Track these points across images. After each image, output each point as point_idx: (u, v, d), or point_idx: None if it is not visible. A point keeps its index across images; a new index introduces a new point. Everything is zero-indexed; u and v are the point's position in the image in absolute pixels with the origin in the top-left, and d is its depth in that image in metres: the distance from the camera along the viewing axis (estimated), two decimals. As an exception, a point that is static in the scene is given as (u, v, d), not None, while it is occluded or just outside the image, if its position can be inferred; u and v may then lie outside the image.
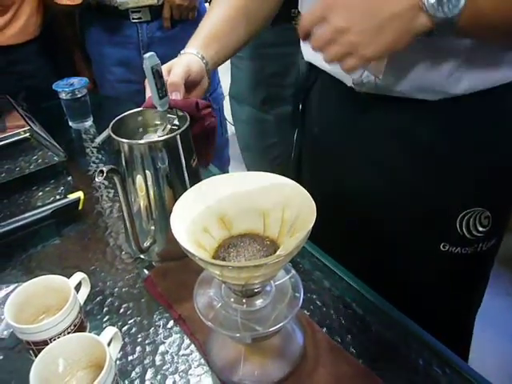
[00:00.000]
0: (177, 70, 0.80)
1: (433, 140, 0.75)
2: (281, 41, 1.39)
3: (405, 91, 0.71)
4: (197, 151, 0.81)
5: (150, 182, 0.74)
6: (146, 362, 0.67)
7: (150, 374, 0.66)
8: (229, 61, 1.53)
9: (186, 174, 0.76)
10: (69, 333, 0.64)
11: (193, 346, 0.69)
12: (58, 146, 1.13)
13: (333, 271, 0.80)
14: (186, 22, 1.56)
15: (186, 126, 0.73)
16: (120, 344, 0.66)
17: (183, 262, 0.81)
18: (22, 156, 1.12)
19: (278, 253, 0.52)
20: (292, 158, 1.11)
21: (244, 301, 0.59)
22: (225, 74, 1.63)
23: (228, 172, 1.57)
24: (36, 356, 0.56)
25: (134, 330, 0.72)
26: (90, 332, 0.70)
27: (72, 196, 0.95)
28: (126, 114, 0.77)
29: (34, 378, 0.54)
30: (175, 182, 0.75)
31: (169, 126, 0.76)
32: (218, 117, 1.73)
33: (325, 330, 0.70)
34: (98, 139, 1.25)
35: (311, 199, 0.54)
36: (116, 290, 0.79)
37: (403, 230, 0.83)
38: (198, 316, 0.59)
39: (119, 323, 0.73)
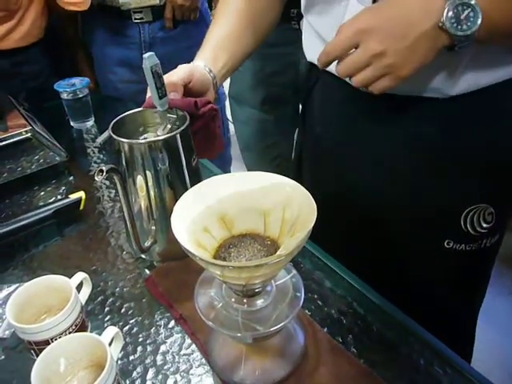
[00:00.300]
0: (178, 71, 0.80)
1: (436, 138, 0.75)
2: (280, 41, 1.39)
3: (409, 90, 0.71)
4: (200, 147, 0.81)
5: (150, 182, 0.74)
6: (147, 361, 0.67)
7: (151, 373, 0.66)
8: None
9: (186, 173, 0.76)
10: (70, 333, 0.64)
11: (194, 345, 0.69)
12: (59, 146, 1.13)
13: (334, 271, 0.80)
14: (187, 23, 1.56)
15: (185, 125, 0.73)
16: (121, 344, 0.66)
17: (184, 262, 0.81)
18: (23, 156, 1.12)
19: (278, 253, 0.52)
20: (293, 158, 1.11)
21: (245, 301, 0.59)
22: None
23: (230, 172, 1.57)
24: (37, 356, 0.56)
25: (135, 329, 0.72)
26: (91, 332, 0.70)
27: (73, 196, 0.95)
28: (126, 114, 0.78)
29: (36, 377, 0.54)
30: (175, 181, 0.76)
31: (169, 126, 0.76)
32: (220, 116, 1.73)
33: (326, 329, 0.70)
34: (100, 139, 1.25)
35: (312, 199, 0.54)
36: (117, 289, 0.79)
37: (407, 229, 0.83)
38: (198, 316, 0.59)
39: (120, 323, 0.73)
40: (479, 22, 0.59)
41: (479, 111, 0.73)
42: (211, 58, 0.85)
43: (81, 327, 0.67)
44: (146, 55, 0.68)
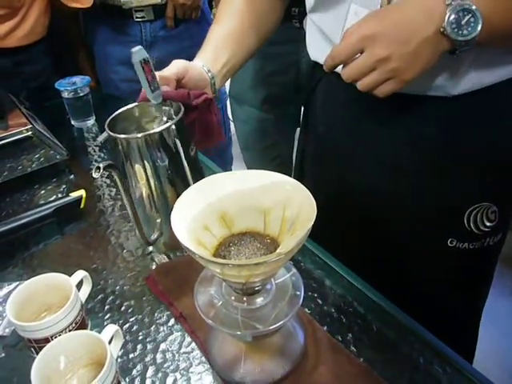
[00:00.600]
0: (170, 67, 0.79)
1: (439, 137, 0.75)
2: (281, 39, 1.38)
3: (412, 89, 0.72)
4: (198, 138, 0.81)
5: (149, 174, 0.74)
6: (147, 359, 0.67)
7: (150, 371, 0.66)
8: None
9: (185, 164, 0.76)
10: (70, 330, 0.64)
11: (194, 344, 0.69)
12: (60, 144, 1.14)
13: (334, 269, 0.80)
14: (189, 22, 1.56)
15: (180, 116, 0.73)
16: (121, 342, 0.66)
17: (184, 261, 0.81)
18: (24, 154, 1.13)
19: (278, 251, 0.52)
20: (294, 158, 1.11)
21: (245, 299, 0.59)
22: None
23: (231, 171, 1.57)
24: (37, 354, 0.56)
25: (135, 327, 0.72)
26: (91, 330, 0.70)
27: (74, 194, 0.95)
28: (121, 110, 0.77)
29: (36, 375, 0.54)
30: (175, 172, 0.75)
31: (165, 118, 0.75)
32: (221, 116, 1.72)
33: (325, 328, 0.70)
34: (100, 138, 1.25)
35: (312, 198, 0.54)
36: (117, 288, 0.79)
37: (409, 228, 0.83)
38: (198, 314, 0.59)
39: (120, 321, 0.73)
40: (479, 27, 0.60)
41: (482, 110, 0.73)
42: (211, 59, 0.85)
43: (81, 325, 0.67)
44: (134, 49, 0.67)
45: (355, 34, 0.65)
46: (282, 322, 0.57)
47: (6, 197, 1.04)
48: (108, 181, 1.08)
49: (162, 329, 0.72)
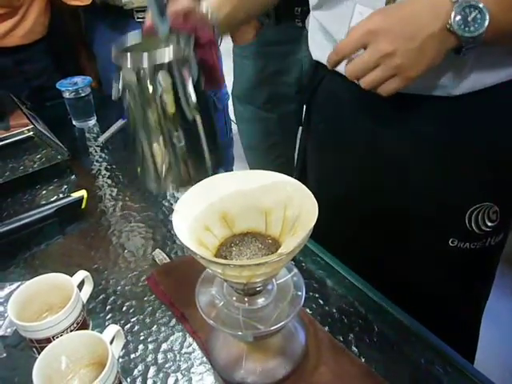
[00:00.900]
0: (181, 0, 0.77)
1: (440, 137, 0.75)
2: (284, 39, 1.39)
3: (414, 88, 0.72)
4: (202, 76, 0.75)
5: (158, 105, 0.68)
6: (149, 359, 0.67)
7: (152, 371, 0.66)
8: (231, 60, 1.53)
9: (193, 95, 0.69)
10: (71, 331, 0.64)
11: (195, 344, 0.69)
12: (61, 144, 1.14)
13: (335, 270, 0.80)
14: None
15: (190, 46, 0.69)
16: (122, 342, 0.66)
17: (185, 261, 0.81)
18: (25, 155, 1.13)
19: (279, 251, 0.52)
20: (296, 157, 1.11)
21: (246, 299, 0.59)
22: (228, 73, 1.63)
23: (232, 171, 1.56)
24: (39, 354, 0.57)
25: (136, 328, 0.72)
26: (92, 330, 0.70)
27: (75, 194, 0.96)
28: (128, 44, 0.73)
29: (37, 375, 0.54)
30: (183, 103, 0.69)
31: (172, 47, 0.69)
32: (223, 116, 1.72)
33: (327, 328, 0.70)
34: (102, 138, 1.26)
35: (313, 198, 0.54)
36: (119, 288, 0.79)
37: (411, 228, 0.83)
38: (200, 314, 0.59)
39: (122, 321, 0.73)
40: (486, 23, 0.59)
41: (483, 110, 0.73)
42: (216, 7, 0.81)
43: (82, 325, 0.67)
44: None
45: (360, 29, 0.64)
46: (283, 323, 0.57)
47: (7, 197, 1.04)
48: (109, 181, 1.08)
49: (163, 329, 0.72)
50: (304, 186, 0.56)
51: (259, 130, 1.63)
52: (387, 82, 0.65)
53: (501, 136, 0.75)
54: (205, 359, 0.67)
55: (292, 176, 0.59)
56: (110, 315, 0.75)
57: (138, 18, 1.52)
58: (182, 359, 0.67)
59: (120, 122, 1.32)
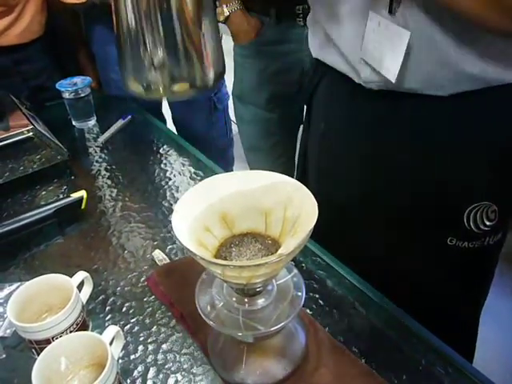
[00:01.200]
0: None
1: (439, 136, 0.75)
2: (285, 38, 1.38)
3: (415, 88, 0.72)
4: None
5: None
6: (148, 360, 0.67)
7: (152, 372, 0.66)
8: (232, 60, 1.53)
9: None
10: (71, 331, 0.64)
11: (195, 344, 0.69)
12: (61, 145, 1.14)
13: (335, 270, 0.80)
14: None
15: None
16: (122, 343, 0.66)
17: (185, 261, 0.81)
18: (25, 155, 1.12)
19: (279, 252, 0.52)
20: (298, 155, 1.11)
21: (246, 300, 0.59)
22: (229, 73, 1.63)
23: (232, 171, 1.56)
24: (38, 355, 0.56)
25: (136, 328, 0.72)
26: (92, 331, 0.70)
27: (75, 195, 0.95)
28: None
29: (36, 376, 0.54)
30: None
31: None
32: (223, 116, 1.72)
33: (327, 329, 0.70)
34: (101, 138, 1.26)
35: (313, 198, 0.54)
36: (118, 288, 0.79)
37: (409, 227, 0.83)
38: (199, 315, 0.59)
39: (121, 322, 0.73)
40: None
41: (482, 110, 0.73)
42: None
43: (82, 326, 0.67)
44: None
45: None
46: (283, 323, 0.57)
47: (7, 197, 1.04)
48: (109, 181, 1.08)
49: (163, 330, 0.72)
50: (304, 187, 0.56)
51: (260, 131, 1.63)
52: None
53: (500, 135, 0.75)
54: (205, 360, 0.67)
55: (293, 176, 0.58)
56: (109, 316, 0.75)
57: (138, 18, 1.52)
58: (182, 360, 0.67)
59: (120, 123, 1.32)
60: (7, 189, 1.05)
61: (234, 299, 0.59)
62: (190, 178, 1.08)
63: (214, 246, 0.58)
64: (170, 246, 0.87)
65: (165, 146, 1.22)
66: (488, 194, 0.77)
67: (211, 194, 0.59)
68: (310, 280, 0.78)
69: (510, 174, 0.78)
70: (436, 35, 0.65)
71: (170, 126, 1.62)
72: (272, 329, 0.57)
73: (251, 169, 1.77)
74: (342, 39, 0.78)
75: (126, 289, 0.79)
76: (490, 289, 0.94)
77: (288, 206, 0.57)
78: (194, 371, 0.66)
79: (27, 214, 0.91)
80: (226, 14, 1.35)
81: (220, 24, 1.37)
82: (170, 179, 1.08)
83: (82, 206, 0.96)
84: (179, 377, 0.65)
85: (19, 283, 0.79)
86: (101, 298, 0.78)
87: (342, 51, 0.78)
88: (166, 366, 0.66)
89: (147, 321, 0.73)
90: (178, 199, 0.99)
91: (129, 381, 0.65)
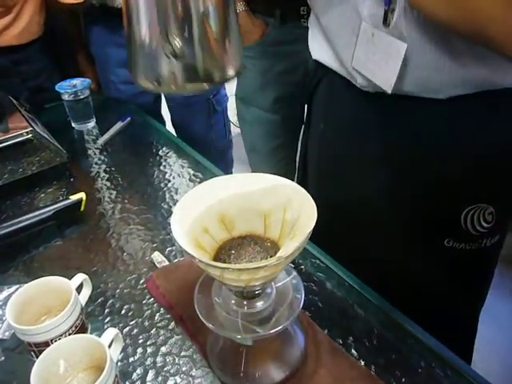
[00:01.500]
0: None
1: (437, 138, 0.75)
2: (289, 39, 1.38)
3: (411, 91, 0.72)
4: None
5: None
6: (147, 363, 0.67)
7: (151, 375, 0.66)
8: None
9: None
10: (70, 334, 0.64)
11: (194, 347, 0.69)
12: (60, 147, 1.13)
13: (334, 272, 0.80)
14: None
15: None
16: (121, 345, 0.66)
17: (184, 264, 0.81)
18: (24, 157, 1.12)
19: (278, 255, 0.52)
20: (298, 156, 1.11)
21: (245, 303, 0.59)
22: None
23: (231, 174, 1.55)
24: (37, 357, 0.57)
25: (135, 331, 0.72)
26: (91, 333, 0.70)
27: (74, 197, 0.95)
28: None
29: (35, 379, 0.54)
30: None
31: None
32: (222, 118, 1.72)
33: (326, 331, 0.70)
34: (101, 140, 1.26)
35: (312, 201, 0.54)
36: (117, 291, 0.79)
37: (407, 228, 0.83)
38: (198, 317, 0.59)
39: (120, 324, 0.73)
40: None
41: (480, 111, 0.73)
42: None
43: (81, 329, 0.66)
44: None
45: None
46: (282, 326, 0.57)
47: (6, 199, 1.04)
48: (108, 183, 1.08)
49: (162, 332, 0.72)
50: (303, 189, 0.56)
51: (263, 132, 1.62)
52: None
53: (499, 138, 0.75)
54: (204, 362, 0.67)
55: (295, 178, 0.58)
56: (108, 318, 0.75)
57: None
58: (181, 362, 0.67)
59: (119, 125, 1.32)
60: (6, 191, 1.05)
61: (233, 302, 0.59)
62: (189, 179, 1.08)
63: (213, 248, 0.58)
64: (169, 248, 0.87)
65: (164, 148, 1.22)
66: (485, 196, 0.78)
67: (210, 196, 0.59)
68: (310, 282, 0.78)
69: (507, 176, 0.78)
70: (431, 43, 0.65)
71: (169, 127, 1.62)
72: (271, 331, 0.57)
73: (253, 170, 1.77)
74: (337, 46, 0.78)
75: (125, 291, 0.79)
76: (489, 290, 0.94)
77: (287, 208, 0.57)
78: (193, 374, 0.65)
79: (26, 216, 0.91)
80: None
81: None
82: (169, 181, 1.08)
83: (81, 208, 0.96)
84: (178, 379, 0.65)
85: (18, 285, 0.79)
86: (100, 300, 0.78)
87: (338, 57, 0.78)
88: (165, 369, 0.66)
89: (146, 323, 0.73)
90: (177, 201, 0.99)
91: (128, 383, 0.65)
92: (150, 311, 0.75)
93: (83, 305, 0.71)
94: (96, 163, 1.17)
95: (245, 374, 0.63)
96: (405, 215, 0.83)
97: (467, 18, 0.58)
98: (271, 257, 0.56)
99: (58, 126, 1.31)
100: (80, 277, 0.72)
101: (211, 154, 1.43)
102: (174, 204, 1.00)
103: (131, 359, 0.68)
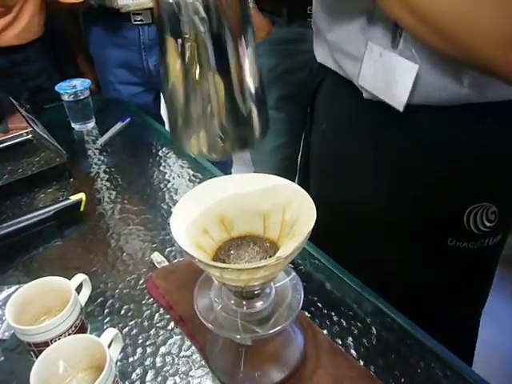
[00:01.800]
0: None
1: (438, 138, 0.75)
2: (297, 38, 1.38)
3: (415, 102, 0.72)
4: None
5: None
6: (147, 363, 0.67)
7: (150, 375, 0.66)
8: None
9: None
10: (69, 334, 0.64)
11: (193, 347, 0.69)
12: (60, 147, 1.14)
13: (334, 273, 0.80)
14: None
15: None
16: (121, 345, 0.66)
17: (184, 264, 0.81)
18: (24, 157, 1.13)
19: (277, 255, 0.52)
20: (300, 156, 1.11)
21: (244, 303, 0.59)
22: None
23: (231, 174, 1.56)
24: (37, 357, 0.56)
25: (134, 331, 0.72)
26: (90, 333, 0.70)
27: (74, 197, 0.95)
28: None
29: (35, 379, 0.54)
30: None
31: None
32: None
33: (325, 331, 0.70)
34: (101, 141, 1.26)
35: (311, 201, 0.54)
36: (117, 291, 0.79)
37: (410, 229, 0.83)
38: (198, 318, 0.59)
39: (120, 324, 0.73)
40: None
41: (483, 114, 0.73)
42: None
43: (80, 329, 0.66)
44: None
45: None
46: (281, 326, 0.57)
47: (6, 200, 1.04)
48: (108, 184, 1.08)
49: (161, 332, 0.72)
50: (303, 190, 0.56)
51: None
52: None
53: (500, 137, 0.75)
54: (203, 362, 0.67)
55: (296, 177, 0.58)
56: (108, 318, 0.75)
57: (135, 20, 1.52)
58: (181, 362, 0.67)
59: (119, 125, 1.32)
60: (6, 191, 1.05)
61: (233, 302, 0.59)
62: (189, 180, 1.08)
63: (213, 248, 0.58)
64: (168, 249, 0.87)
65: (164, 149, 1.22)
66: (488, 196, 0.78)
67: (210, 196, 0.59)
68: (309, 282, 0.78)
69: (507, 176, 0.78)
70: (441, 64, 0.65)
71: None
72: (270, 331, 0.57)
73: (255, 169, 1.77)
74: (342, 62, 0.78)
75: (124, 291, 0.79)
76: (489, 291, 0.94)
77: (286, 208, 0.57)
78: (192, 374, 0.65)
79: (26, 217, 0.91)
80: None
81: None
82: (169, 181, 1.08)
83: (81, 209, 0.96)
84: (177, 379, 0.65)
85: (18, 285, 0.79)
86: (99, 300, 0.78)
87: (343, 70, 0.79)
88: (165, 369, 0.66)
89: (146, 323, 0.73)
90: (176, 201, 0.99)
91: (127, 383, 0.65)
92: (149, 311, 0.75)
93: (83, 305, 0.71)
94: (96, 164, 1.17)
95: (244, 374, 0.63)
96: (405, 215, 0.82)
97: (471, 57, 0.59)
98: (270, 257, 0.56)
99: (58, 127, 1.31)
100: (80, 277, 0.72)
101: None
102: (174, 204, 1.00)
103: (131, 359, 0.68)
